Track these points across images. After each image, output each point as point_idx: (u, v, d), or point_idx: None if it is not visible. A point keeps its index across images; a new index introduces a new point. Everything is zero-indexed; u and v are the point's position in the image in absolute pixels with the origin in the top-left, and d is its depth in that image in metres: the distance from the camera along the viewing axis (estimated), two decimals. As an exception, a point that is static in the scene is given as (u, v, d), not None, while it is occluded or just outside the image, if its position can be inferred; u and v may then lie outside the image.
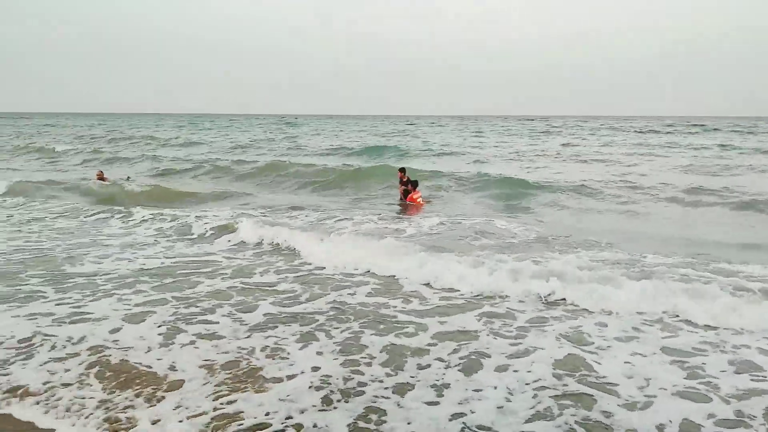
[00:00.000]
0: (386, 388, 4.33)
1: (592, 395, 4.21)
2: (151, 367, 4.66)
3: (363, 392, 4.27)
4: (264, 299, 6.46)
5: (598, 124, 73.62)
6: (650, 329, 5.48)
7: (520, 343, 5.19)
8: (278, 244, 9.00)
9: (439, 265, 7.25)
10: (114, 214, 11.68)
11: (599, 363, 4.73)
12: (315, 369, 4.64)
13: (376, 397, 4.21)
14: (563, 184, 15.52)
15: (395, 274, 7.32)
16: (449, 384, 4.41)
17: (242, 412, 3.97)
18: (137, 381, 4.43)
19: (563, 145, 34.60)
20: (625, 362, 4.78)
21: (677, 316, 5.73)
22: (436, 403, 4.12)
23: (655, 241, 9.30)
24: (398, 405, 4.09)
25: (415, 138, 43.15)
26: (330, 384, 4.38)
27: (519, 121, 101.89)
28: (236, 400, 4.12)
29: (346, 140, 39.93)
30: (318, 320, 5.81)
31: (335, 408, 4.04)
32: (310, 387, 4.33)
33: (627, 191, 14.75)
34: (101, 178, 17.97)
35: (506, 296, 6.43)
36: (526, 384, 4.39)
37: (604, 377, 4.49)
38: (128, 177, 19.09)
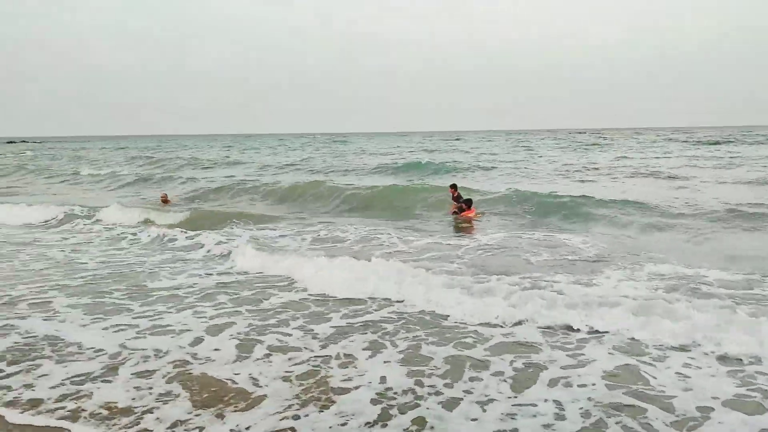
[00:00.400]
0: (439, 402, 4.50)
1: (645, 409, 4.33)
2: (235, 383, 4.93)
3: (418, 405, 4.47)
4: (337, 311, 6.90)
5: (654, 135, 71.77)
6: (707, 341, 5.52)
7: (581, 355, 5.36)
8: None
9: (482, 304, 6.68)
10: (183, 234, 12.11)
11: (654, 377, 4.87)
12: (382, 380, 4.91)
13: (429, 409, 4.40)
14: (620, 199, 15.27)
15: (446, 313, 6.69)
16: (498, 399, 4.55)
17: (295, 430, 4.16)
18: (215, 397, 4.67)
19: (617, 158, 33.91)
20: (677, 373, 4.93)
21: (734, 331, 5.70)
22: (480, 420, 4.25)
23: (717, 257, 9.20)
24: (441, 419, 4.26)
25: (465, 153, 43.26)
26: (388, 398, 4.60)
27: (570, 134, 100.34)
28: (293, 417, 4.31)
29: (394, 157, 40.27)
30: (386, 329, 6.21)
31: (385, 426, 4.20)
32: (371, 400, 4.55)
33: (687, 206, 14.42)
34: (165, 200, 18.66)
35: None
36: (577, 399, 4.50)
37: (660, 391, 4.61)
38: (192, 200, 19.77)
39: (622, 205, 14.64)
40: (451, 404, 4.49)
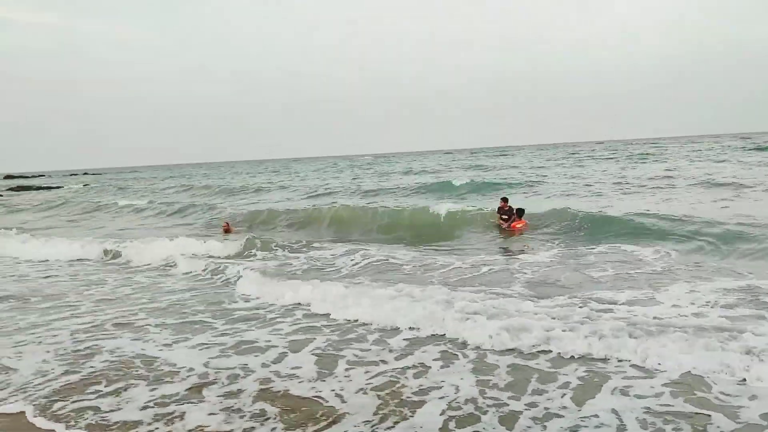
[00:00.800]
0: (502, 415, 4.67)
1: (708, 415, 4.48)
2: (325, 400, 5.11)
3: (479, 419, 4.62)
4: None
5: (709, 142, 69.45)
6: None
7: (643, 367, 5.49)
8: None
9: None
10: (249, 261, 12.45)
11: (716, 383, 5.01)
12: (456, 391, 5.16)
13: (486, 424, 4.55)
14: (680, 213, 14.83)
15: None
16: (560, 413, 4.64)
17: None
18: (304, 416, 4.81)
19: (673, 168, 32.85)
20: (741, 379, 5.06)
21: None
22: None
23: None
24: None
25: (514, 168, 43.07)
26: (454, 408, 4.84)
27: (623, 144, 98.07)
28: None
29: (444, 175, 40.28)
30: (457, 340, 6.53)
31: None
32: (441, 413, 4.74)
33: (750, 217, 13.87)
34: (227, 230, 18.56)
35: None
36: (640, 408, 4.63)
37: (724, 400, 4.73)
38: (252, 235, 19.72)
39: (682, 217, 14.22)
40: (511, 419, 4.62)
